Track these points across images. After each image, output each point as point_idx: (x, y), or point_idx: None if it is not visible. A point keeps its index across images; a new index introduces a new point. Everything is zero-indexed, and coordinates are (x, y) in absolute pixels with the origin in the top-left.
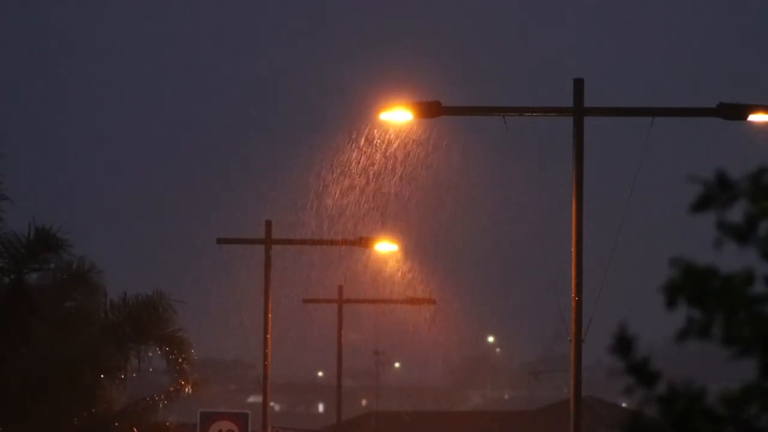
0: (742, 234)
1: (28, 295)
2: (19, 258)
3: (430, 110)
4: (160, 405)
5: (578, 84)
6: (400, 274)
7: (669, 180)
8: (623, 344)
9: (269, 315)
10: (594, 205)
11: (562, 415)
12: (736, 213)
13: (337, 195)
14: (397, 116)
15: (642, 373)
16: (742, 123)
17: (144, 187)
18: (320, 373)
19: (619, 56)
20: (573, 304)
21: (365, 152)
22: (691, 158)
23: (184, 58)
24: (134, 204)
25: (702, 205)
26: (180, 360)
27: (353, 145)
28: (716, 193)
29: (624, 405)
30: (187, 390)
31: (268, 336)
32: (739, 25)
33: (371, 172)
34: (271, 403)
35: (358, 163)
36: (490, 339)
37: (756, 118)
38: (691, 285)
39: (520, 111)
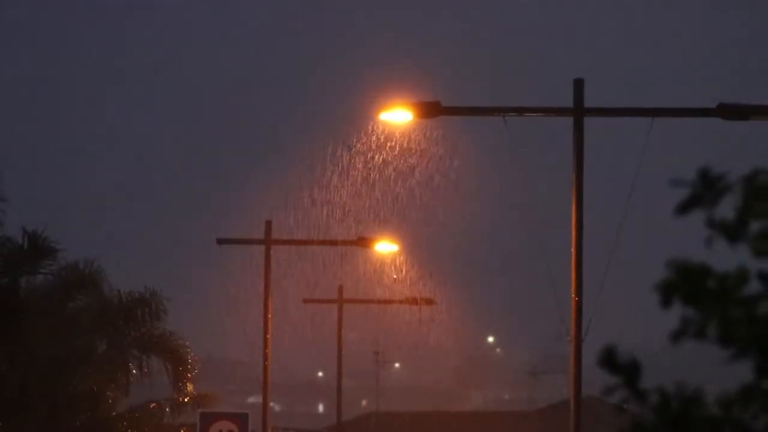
0: (733, 232)
1: (21, 298)
2: (12, 261)
3: (430, 110)
4: (166, 410)
5: (578, 84)
6: (400, 274)
7: (670, 179)
8: (611, 365)
9: (269, 315)
10: (594, 205)
11: (562, 415)
12: (727, 209)
13: (337, 195)
14: (397, 116)
15: (632, 389)
16: (742, 123)
17: (143, 187)
18: (320, 373)
19: (620, 56)
20: (573, 304)
21: (366, 152)
22: (692, 158)
23: (185, 57)
24: (134, 204)
25: (687, 205)
26: (181, 370)
27: (354, 146)
28: (702, 192)
29: (624, 407)
30: (190, 399)
31: (268, 336)
32: (739, 25)
33: (372, 173)
34: (271, 403)
35: (359, 163)
36: (490, 339)
37: (756, 118)
38: (685, 284)
39: (520, 111)
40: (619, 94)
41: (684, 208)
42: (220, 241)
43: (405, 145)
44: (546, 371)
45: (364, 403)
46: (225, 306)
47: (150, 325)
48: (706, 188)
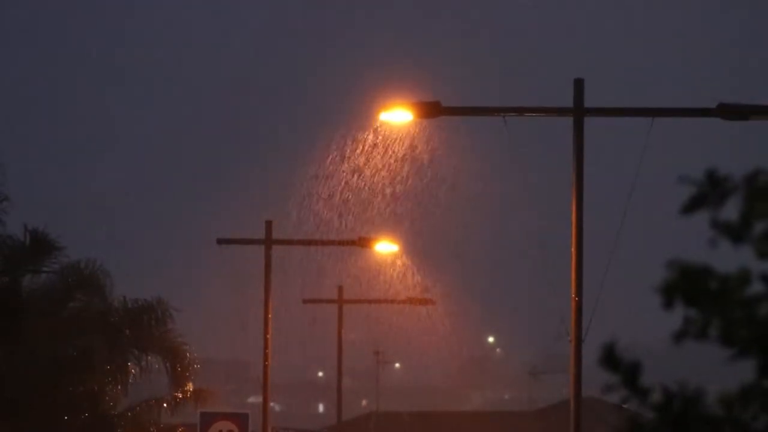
0: (737, 233)
1: (21, 297)
2: (13, 260)
3: (430, 110)
4: (164, 408)
5: (578, 84)
6: (400, 274)
7: (670, 179)
8: (611, 363)
9: (269, 315)
10: (594, 205)
11: (562, 415)
12: (731, 211)
13: (337, 195)
14: (397, 116)
15: (633, 386)
16: (742, 123)
17: (143, 187)
18: (320, 373)
19: (620, 56)
20: (573, 304)
21: (366, 152)
22: (692, 158)
23: (185, 57)
24: (134, 204)
25: (693, 205)
26: (180, 369)
27: (354, 146)
28: (707, 192)
29: (624, 406)
30: (188, 396)
31: (268, 336)
32: (739, 25)
33: (372, 172)
34: (271, 404)
35: (359, 163)
36: (490, 339)
37: (756, 118)
38: (687, 285)
39: (520, 111)
40: (619, 94)
41: (690, 207)
42: (220, 241)
43: (404, 145)
44: (546, 371)
45: (364, 403)
46: (225, 306)
47: (156, 330)
48: (712, 188)
